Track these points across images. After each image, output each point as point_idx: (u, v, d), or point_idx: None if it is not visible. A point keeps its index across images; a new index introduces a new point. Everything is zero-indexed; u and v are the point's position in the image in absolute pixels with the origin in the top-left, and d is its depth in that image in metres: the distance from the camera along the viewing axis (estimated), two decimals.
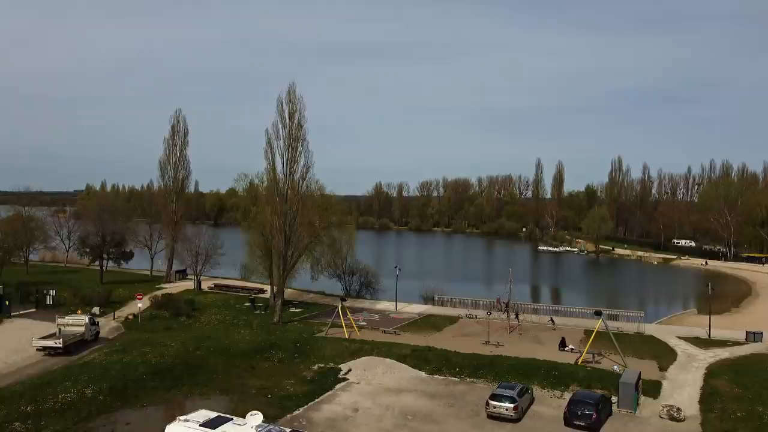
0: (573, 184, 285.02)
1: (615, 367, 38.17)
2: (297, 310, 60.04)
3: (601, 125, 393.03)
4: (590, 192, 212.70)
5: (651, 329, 52.23)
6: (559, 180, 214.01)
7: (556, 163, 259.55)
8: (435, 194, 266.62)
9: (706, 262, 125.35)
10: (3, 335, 45.80)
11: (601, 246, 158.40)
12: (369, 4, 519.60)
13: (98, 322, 47.20)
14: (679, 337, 48.92)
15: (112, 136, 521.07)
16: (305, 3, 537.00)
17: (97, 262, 76.68)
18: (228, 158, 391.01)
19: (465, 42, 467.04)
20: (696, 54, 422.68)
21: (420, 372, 38.88)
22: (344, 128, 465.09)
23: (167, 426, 23.50)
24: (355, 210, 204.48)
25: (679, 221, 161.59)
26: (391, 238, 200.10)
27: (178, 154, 79.86)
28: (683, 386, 36.00)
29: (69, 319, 44.58)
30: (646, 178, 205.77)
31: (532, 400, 32.97)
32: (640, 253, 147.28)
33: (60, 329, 42.91)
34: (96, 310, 53.98)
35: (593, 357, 41.07)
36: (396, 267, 62.91)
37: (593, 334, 42.07)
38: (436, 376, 38.31)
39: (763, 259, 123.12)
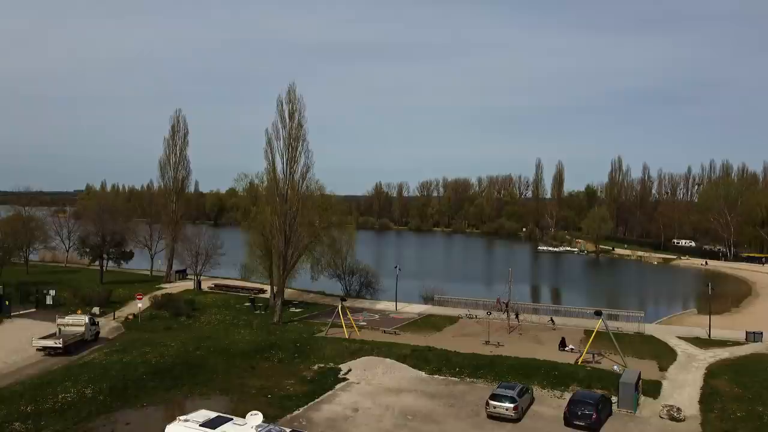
0: (573, 184, 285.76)
1: (615, 367, 38.17)
2: (297, 310, 60.03)
3: (601, 125, 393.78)
4: (590, 192, 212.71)
5: (651, 329, 52.23)
6: (559, 180, 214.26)
7: (556, 163, 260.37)
8: (435, 194, 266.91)
9: (706, 262, 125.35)
10: (3, 335, 45.80)
11: (601, 246, 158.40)
12: (369, 4, 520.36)
13: (98, 322, 47.20)
14: (679, 337, 48.93)
15: (112, 136, 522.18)
16: (305, 3, 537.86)
17: (97, 262, 76.69)
18: (228, 158, 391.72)
19: (465, 42, 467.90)
20: (696, 54, 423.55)
21: (420, 372, 38.87)
22: (344, 128, 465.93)
23: (167, 426, 23.51)
24: (355, 210, 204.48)
25: (679, 221, 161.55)
26: (391, 238, 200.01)
27: (178, 154, 79.96)
28: (683, 386, 35.99)
29: (69, 319, 44.58)
30: (646, 178, 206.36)
31: (532, 400, 32.97)
32: (640, 253, 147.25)
33: (60, 329, 42.91)
34: (96, 310, 53.99)
35: (593, 357, 41.06)
36: (396, 267, 62.91)
37: (593, 334, 42.07)
38: (436, 376, 38.30)
39: (763, 259, 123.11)
